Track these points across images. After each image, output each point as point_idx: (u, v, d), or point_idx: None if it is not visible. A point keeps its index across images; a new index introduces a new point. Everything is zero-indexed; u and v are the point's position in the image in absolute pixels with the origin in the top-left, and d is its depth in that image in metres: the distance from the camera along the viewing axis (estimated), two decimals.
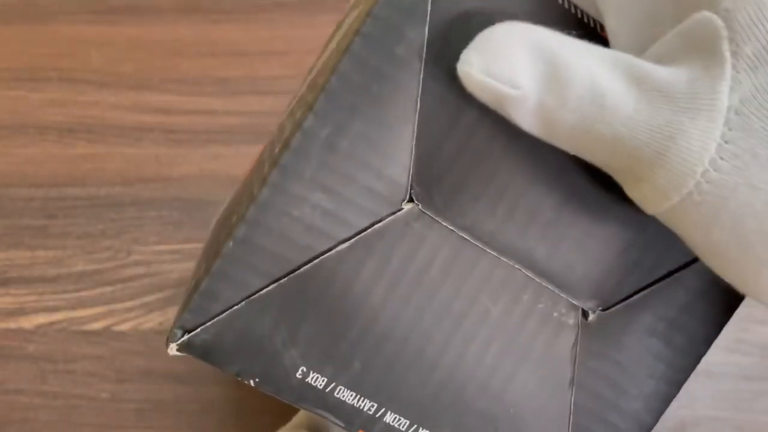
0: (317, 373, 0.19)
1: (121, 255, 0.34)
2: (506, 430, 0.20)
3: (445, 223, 0.18)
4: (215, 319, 0.18)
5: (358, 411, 0.19)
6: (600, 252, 0.19)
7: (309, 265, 0.18)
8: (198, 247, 0.34)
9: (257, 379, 0.19)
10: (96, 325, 0.33)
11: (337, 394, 0.19)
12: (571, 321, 0.19)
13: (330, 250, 0.18)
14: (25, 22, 0.43)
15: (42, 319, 0.33)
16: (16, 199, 0.37)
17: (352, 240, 0.18)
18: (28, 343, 0.33)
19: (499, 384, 0.19)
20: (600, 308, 0.19)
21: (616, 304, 0.19)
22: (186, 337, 0.18)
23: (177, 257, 0.35)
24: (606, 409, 0.20)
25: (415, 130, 0.18)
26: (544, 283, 0.19)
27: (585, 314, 0.19)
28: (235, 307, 0.18)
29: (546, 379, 0.19)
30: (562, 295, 0.19)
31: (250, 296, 0.18)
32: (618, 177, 0.17)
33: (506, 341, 0.19)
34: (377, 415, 0.19)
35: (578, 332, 0.19)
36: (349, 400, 0.19)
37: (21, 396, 0.32)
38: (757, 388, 0.33)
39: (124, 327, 0.34)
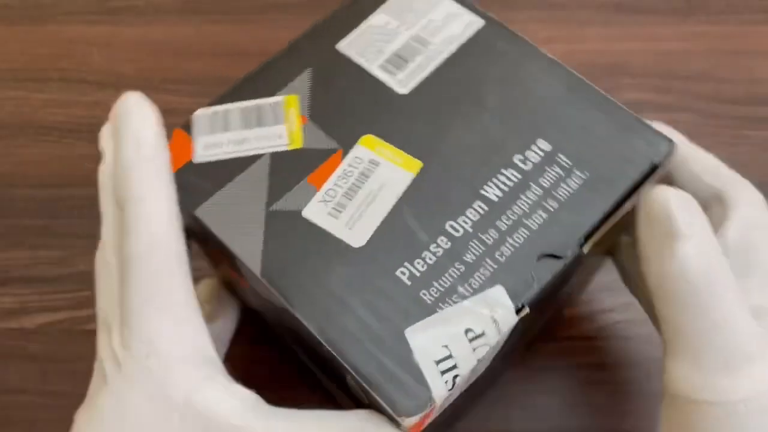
0: None
1: None
2: None
3: None
4: None
5: None
6: None
7: None
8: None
9: None
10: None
11: None
12: None
13: None
14: (26, 22, 0.43)
15: (43, 318, 0.33)
16: (17, 199, 0.37)
17: None
18: (29, 343, 0.33)
19: None
20: None
21: None
22: None
23: None
24: None
25: None
26: None
27: None
28: None
29: None
30: None
31: None
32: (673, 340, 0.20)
33: None
34: None
35: None
36: None
37: (22, 395, 0.32)
38: None
39: None
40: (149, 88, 0.40)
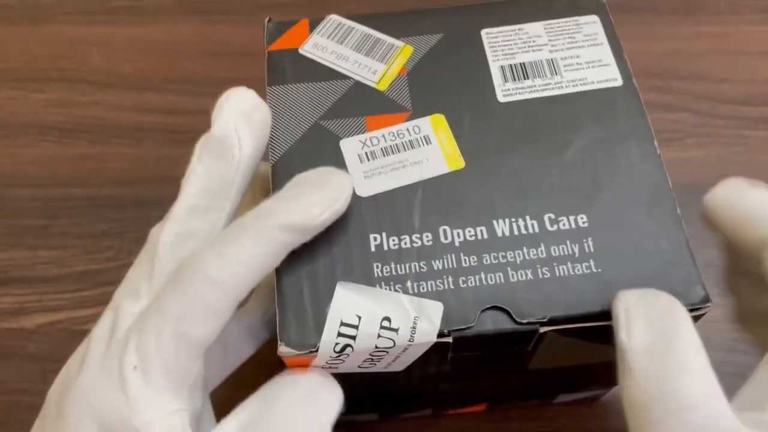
0: None
1: (122, 255, 0.34)
2: None
3: None
4: None
5: None
6: None
7: None
8: None
9: None
10: None
11: None
12: None
13: None
14: (26, 22, 0.43)
15: (43, 318, 0.33)
16: (18, 199, 0.37)
17: None
18: (29, 343, 0.33)
19: None
20: None
21: None
22: None
23: None
24: None
25: None
26: None
27: None
28: None
29: None
30: None
31: None
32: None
33: None
34: None
35: None
36: None
37: (22, 395, 0.32)
38: None
39: None
40: (149, 88, 0.40)
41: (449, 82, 0.24)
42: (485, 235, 0.21)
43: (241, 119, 0.21)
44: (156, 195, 0.36)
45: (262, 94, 0.26)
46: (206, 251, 0.19)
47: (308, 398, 0.20)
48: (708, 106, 0.38)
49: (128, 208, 0.36)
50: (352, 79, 0.24)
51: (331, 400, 0.20)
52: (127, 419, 0.18)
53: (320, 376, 0.20)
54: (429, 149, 0.23)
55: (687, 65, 0.40)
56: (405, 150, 0.23)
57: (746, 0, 0.42)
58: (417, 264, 0.21)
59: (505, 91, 0.24)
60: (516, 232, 0.21)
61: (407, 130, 0.23)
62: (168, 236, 0.21)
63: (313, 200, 0.20)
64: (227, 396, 0.28)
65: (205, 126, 0.21)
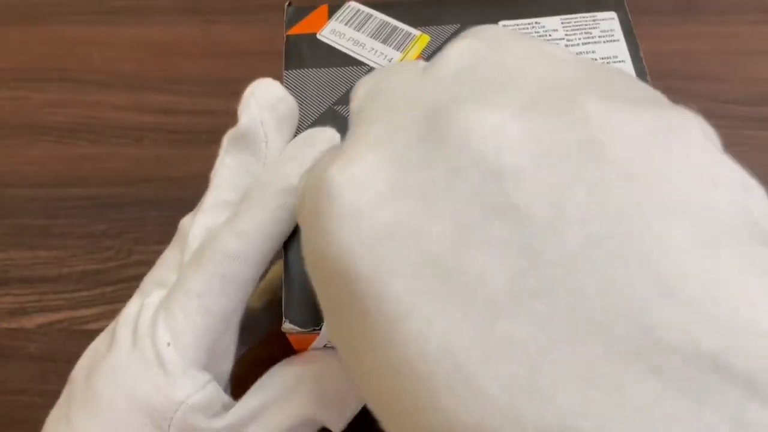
0: None
1: (122, 255, 0.34)
2: None
3: None
4: None
5: None
6: None
7: None
8: None
9: None
10: (97, 325, 0.33)
11: None
12: None
13: None
14: (26, 22, 0.43)
15: (43, 318, 0.33)
16: (17, 199, 0.37)
17: None
18: (29, 343, 0.33)
19: None
20: None
21: None
22: None
23: None
24: None
25: None
26: None
27: None
28: None
29: None
30: None
31: None
32: None
33: None
34: None
35: None
36: None
37: (22, 395, 0.32)
38: None
39: None
40: (149, 88, 0.40)
41: None
42: None
43: (267, 112, 0.22)
44: (156, 195, 0.36)
45: None
46: (222, 229, 0.20)
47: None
48: (708, 106, 0.38)
49: (128, 208, 0.36)
50: (368, 65, 0.25)
51: None
52: (167, 394, 0.19)
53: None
54: None
55: (687, 65, 0.40)
56: None
57: (746, 0, 0.42)
58: None
59: None
60: None
61: None
62: (198, 228, 0.22)
63: (306, 157, 0.21)
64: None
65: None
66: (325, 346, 0.21)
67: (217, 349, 0.20)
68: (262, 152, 0.22)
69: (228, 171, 0.22)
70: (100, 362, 0.20)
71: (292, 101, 0.22)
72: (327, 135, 0.22)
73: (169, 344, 0.19)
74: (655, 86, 0.43)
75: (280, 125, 0.22)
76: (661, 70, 0.40)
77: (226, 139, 0.22)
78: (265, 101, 0.22)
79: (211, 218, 0.22)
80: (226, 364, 0.21)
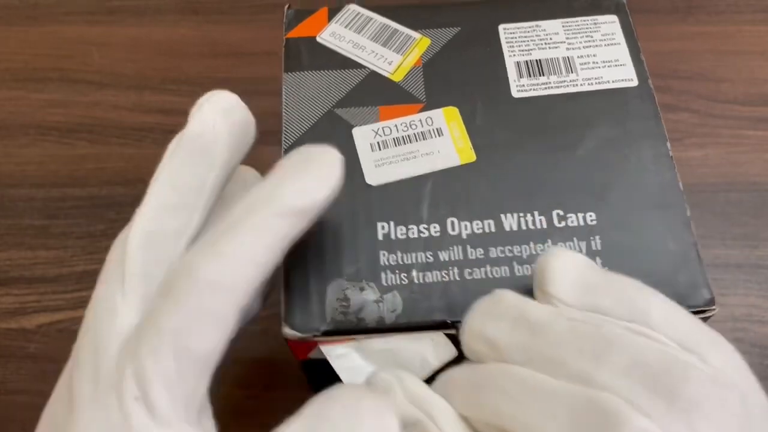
0: None
1: None
2: None
3: None
4: None
5: None
6: None
7: None
8: None
9: None
10: None
11: None
12: None
13: None
14: (26, 22, 0.43)
15: (43, 319, 0.33)
16: (17, 200, 0.37)
17: None
18: (29, 343, 0.33)
19: None
20: None
21: None
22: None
23: None
24: None
25: None
26: None
27: None
28: None
29: None
30: None
31: None
32: None
33: None
34: None
35: None
36: None
37: (22, 396, 0.32)
38: None
39: None
40: (149, 88, 0.40)
41: (464, 75, 0.24)
42: (493, 229, 0.21)
43: (220, 118, 0.21)
44: None
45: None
46: (199, 253, 0.17)
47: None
48: (708, 106, 0.38)
49: (128, 208, 0.35)
50: (368, 68, 0.25)
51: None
52: None
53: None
54: (441, 141, 0.23)
55: (687, 65, 0.40)
56: (417, 141, 0.23)
57: (746, 0, 0.42)
58: (423, 254, 0.21)
59: (520, 87, 0.24)
60: (524, 227, 0.21)
61: (420, 121, 0.23)
62: (137, 236, 0.19)
63: (307, 178, 0.18)
64: (227, 396, 0.28)
65: None
66: (324, 359, 0.21)
67: (196, 398, 0.17)
68: (211, 157, 0.20)
69: (171, 175, 0.20)
70: (59, 429, 0.17)
71: (248, 113, 0.21)
72: (327, 157, 0.19)
73: (137, 398, 0.16)
74: (656, 86, 0.43)
75: (232, 132, 0.20)
76: (661, 70, 0.40)
77: (173, 144, 0.21)
78: (219, 107, 0.21)
79: (152, 225, 0.19)
80: (206, 415, 0.18)
